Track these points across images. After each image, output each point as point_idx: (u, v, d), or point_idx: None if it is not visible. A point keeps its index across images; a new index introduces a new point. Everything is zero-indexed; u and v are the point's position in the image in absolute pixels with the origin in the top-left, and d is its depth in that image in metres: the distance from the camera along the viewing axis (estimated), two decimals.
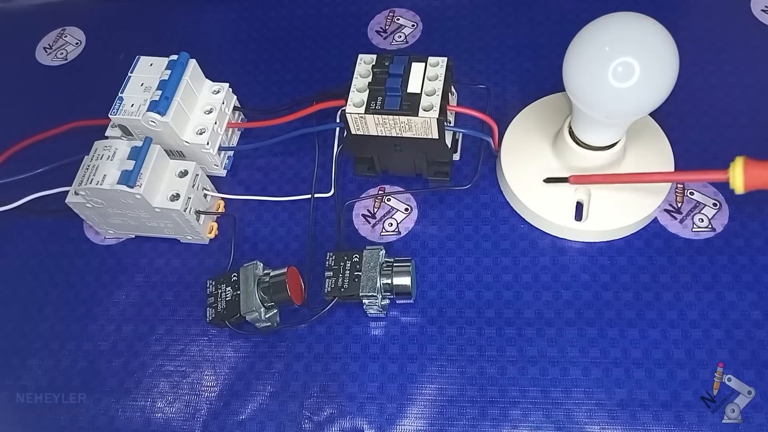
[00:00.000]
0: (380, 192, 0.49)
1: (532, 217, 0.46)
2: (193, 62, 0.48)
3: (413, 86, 0.43)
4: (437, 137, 0.43)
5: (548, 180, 0.45)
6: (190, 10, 0.61)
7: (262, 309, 0.42)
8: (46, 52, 0.61)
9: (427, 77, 0.43)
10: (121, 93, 0.47)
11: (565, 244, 0.45)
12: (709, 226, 0.45)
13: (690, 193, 0.46)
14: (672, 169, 0.45)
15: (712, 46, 0.52)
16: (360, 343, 0.44)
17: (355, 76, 0.44)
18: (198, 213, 0.47)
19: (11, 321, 0.48)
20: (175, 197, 0.44)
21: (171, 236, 0.48)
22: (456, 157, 0.49)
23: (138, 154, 0.43)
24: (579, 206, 0.45)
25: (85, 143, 0.45)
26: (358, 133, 0.44)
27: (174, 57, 0.47)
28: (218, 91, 0.49)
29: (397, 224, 0.48)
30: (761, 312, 0.42)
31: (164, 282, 0.48)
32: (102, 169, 0.43)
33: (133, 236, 0.50)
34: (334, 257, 0.43)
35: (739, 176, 0.38)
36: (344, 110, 0.43)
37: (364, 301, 0.42)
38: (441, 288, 0.45)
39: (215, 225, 0.49)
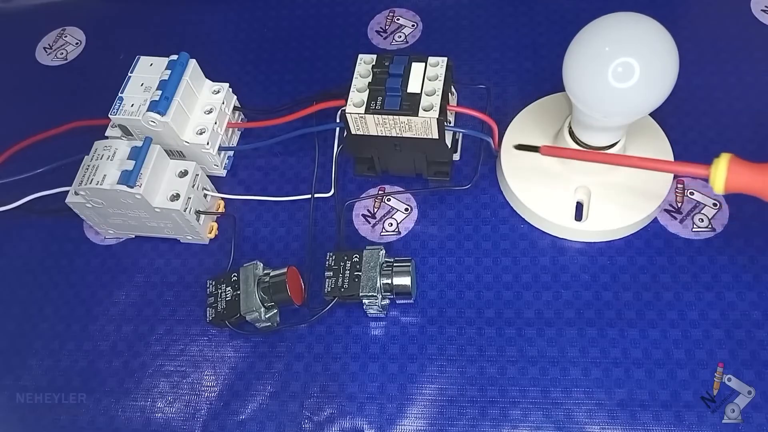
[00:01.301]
0: (380, 192, 0.49)
1: (532, 217, 0.46)
2: (193, 62, 0.48)
3: (413, 86, 0.43)
4: (437, 137, 0.43)
5: (518, 147, 0.45)
6: (190, 10, 0.61)
7: (262, 309, 0.42)
8: (46, 52, 0.61)
9: (427, 77, 0.43)
10: (121, 93, 0.47)
11: (565, 244, 0.45)
12: (709, 226, 0.45)
13: (690, 193, 0.46)
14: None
15: (712, 46, 0.52)
16: (360, 343, 0.44)
17: (355, 76, 0.44)
18: (198, 213, 0.47)
19: (11, 321, 0.48)
20: (175, 197, 0.44)
21: (171, 236, 0.48)
22: (456, 157, 0.49)
23: (138, 154, 0.43)
24: (579, 206, 0.45)
25: (85, 143, 0.45)
26: (358, 133, 0.44)
27: (174, 57, 0.47)
28: (218, 91, 0.49)
29: (397, 224, 0.48)
30: (761, 312, 0.42)
31: (164, 282, 0.48)
32: (102, 169, 0.43)
33: (133, 236, 0.50)
34: (334, 257, 0.43)
35: (721, 175, 0.35)
36: (344, 110, 0.43)
37: (364, 301, 0.42)
38: (441, 288, 0.45)
39: (215, 225, 0.49)
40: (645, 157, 0.39)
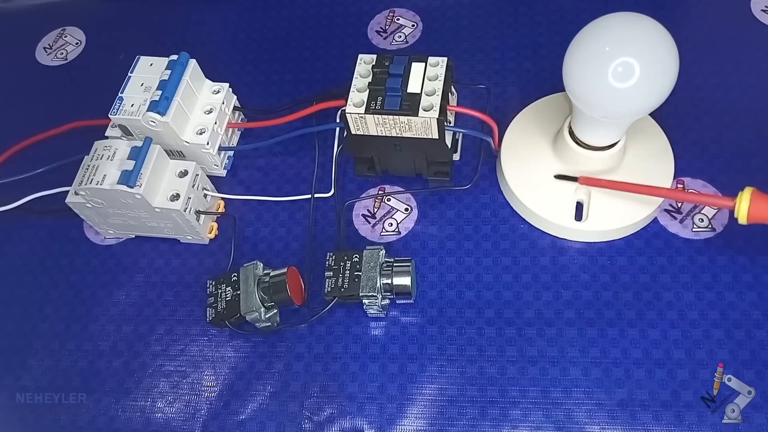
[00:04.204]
0: (380, 192, 0.49)
1: (532, 217, 0.46)
2: (193, 62, 0.48)
3: (413, 86, 0.43)
4: (437, 137, 0.43)
5: (558, 177, 0.45)
6: (190, 10, 0.61)
7: (262, 309, 0.42)
8: (46, 52, 0.61)
9: (427, 77, 0.43)
10: (121, 93, 0.47)
11: (565, 244, 0.45)
12: (709, 226, 0.45)
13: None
14: (672, 170, 0.45)
15: (712, 46, 0.52)
16: (360, 343, 0.44)
17: (355, 76, 0.44)
18: (198, 213, 0.47)
19: (11, 321, 0.48)
20: (175, 197, 0.44)
21: (171, 236, 0.48)
22: (456, 157, 0.49)
23: (138, 154, 0.43)
24: (579, 206, 0.45)
25: (85, 143, 0.45)
26: (358, 133, 0.44)
27: (174, 57, 0.47)
28: (218, 91, 0.49)
29: (397, 224, 0.48)
30: (761, 312, 0.42)
31: (164, 282, 0.48)
32: (102, 169, 0.43)
33: (133, 236, 0.50)
34: (334, 257, 0.43)
35: (744, 207, 0.39)
36: (344, 110, 0.43)
37: (364, 301, 0.42)
38: (441, 288, 0.45)
39: (215, 225, 0.49)
40: (674, 189, 0.44)
